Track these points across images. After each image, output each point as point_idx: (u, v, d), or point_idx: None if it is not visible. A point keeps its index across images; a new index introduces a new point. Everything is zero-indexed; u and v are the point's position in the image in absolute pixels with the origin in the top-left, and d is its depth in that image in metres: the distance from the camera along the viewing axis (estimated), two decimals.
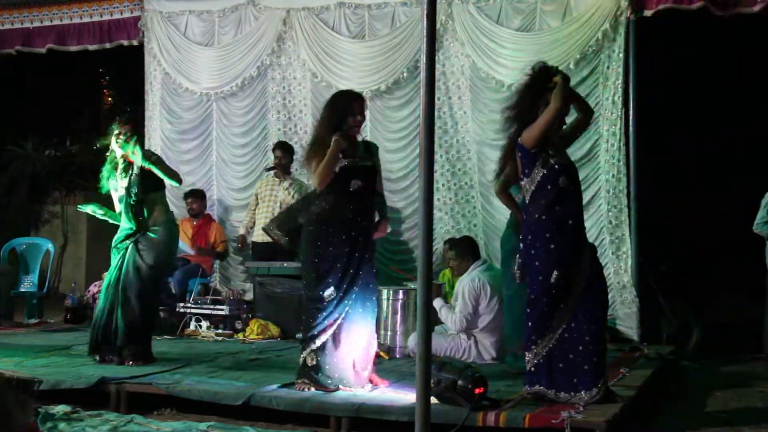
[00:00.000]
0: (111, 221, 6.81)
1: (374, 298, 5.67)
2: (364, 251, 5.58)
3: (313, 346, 5.47)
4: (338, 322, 5.47)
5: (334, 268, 5.48)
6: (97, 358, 6.47)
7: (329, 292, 5.46)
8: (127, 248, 6.53)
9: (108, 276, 6.64)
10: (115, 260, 6.58)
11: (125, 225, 6.59)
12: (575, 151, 7.70)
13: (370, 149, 5.81)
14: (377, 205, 5.81)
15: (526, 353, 5.21)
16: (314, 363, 5.46)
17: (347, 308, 5.48)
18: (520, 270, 5.30)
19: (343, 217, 5.51)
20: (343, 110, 5.61)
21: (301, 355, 5.54)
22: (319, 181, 5.51)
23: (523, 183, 5.26)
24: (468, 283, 6.90)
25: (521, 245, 5.29)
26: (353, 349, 5.51)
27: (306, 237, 5.63)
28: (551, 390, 5.12)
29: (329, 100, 5.83)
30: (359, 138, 5.84)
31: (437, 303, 7.02)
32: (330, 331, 5.45)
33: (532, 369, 5.18)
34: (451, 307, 7.02)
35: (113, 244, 6.64)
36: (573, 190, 5.25)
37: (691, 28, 8.59)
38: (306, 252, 5.61)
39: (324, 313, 5.46)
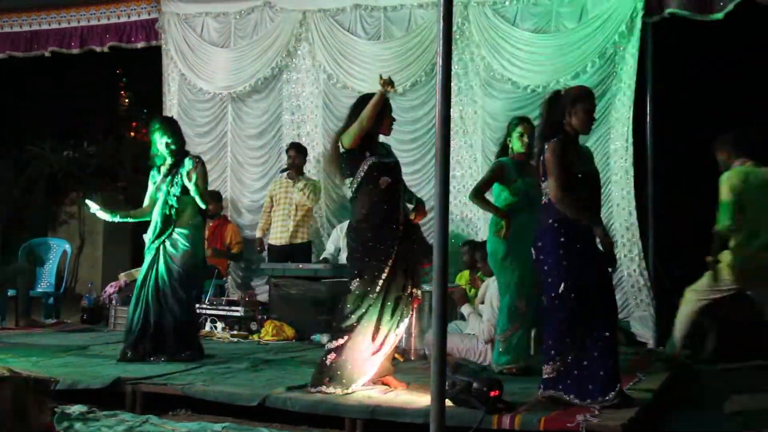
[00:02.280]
0: (129, 220, 6.94)
1: (419, 288, 5.63)
2: (405, 245, 5.53)
3: (334, 344, 5.44)
4: (373, 324, 5.44)
5: (379, 271, 5.42)
6: (131, 354, 6.54)
7: (371, 292, 5.42)
8: (158, 248, 6.65)
9: (140, 277, 6.76)
10: (147, 261, 6.70)
11: (157, 224, 6.69)
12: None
13: (386, 148, 5.79)
14: (408, 194, 5.79)
15: (545, 365, 5.17)
16: (331, 362, 5.42)
17: (384, 311, 5.45)
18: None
19: (384, 218, 5.48)
20: (381, 111, 5.57)
21: (326, 347, 5.51)
22: (365, 120, 5.44)
23: (544, 184, 5.23)
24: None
25: (533, 250, 5.25)
26: (379, 350, 5.49)
27: (351, 246, 5.59)
28: (567, 395, 5.10)
29: (358, 103, 5.69)
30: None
31: (465, 310, 7.01)
32: (356, 332, 5.41)
33: (549, 377, 5.15)
34: (477, 314, 6.96)
35: (147, 244, 6.74)
36: (592, 197, 5.23)
37: (710, 29, 8.52)
38: (352, 257, 5.57)
39: (359, 313, 5.43)
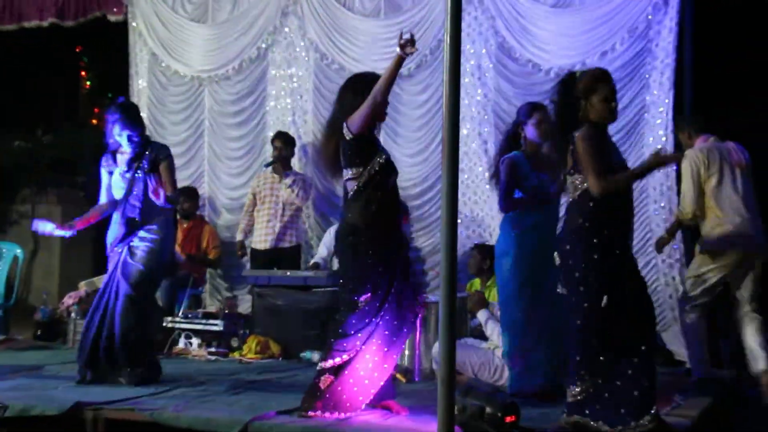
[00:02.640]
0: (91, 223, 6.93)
1: (412, 313, 5.62)
2: (404, 253, 5.60)
3: (331, 363, 5.44)
4: (373, 341, 5.45)
5: (379, 283, 5.43)
6: (90, 375, 6.52)
7: (364, 298, 5.43)
8: (121, 252, 6.61)
9: (102, 286, 6.72)
10: (110, 268, 6.66)
11: (120, 225, 6.63)
12: (622, 142, 7.70)
13: None
14: None
15: (571, 386, 5.18)
16: (326, 386, 5.43)
17: (384, 326, 5.47)
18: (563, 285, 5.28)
19: (388, 221, 5.51)
20: (369, 92, 5.53)
21: (320, 366, 5.51)
22: (380, 94, 5.42)
23: (572, 179, 5.24)
24: None
25: (557, 255, 5.26)
26: (376, 371, 5.50)
27: (350, 253, 5.53)
28: (595, 421, 5.10)
29: (353, 79, 5.76)
30: None
31: (482, 316, 7.02)
32: (355, 351, 5.43)
33: (576, 400, 5.16)
34: (497, 319, 6.98)
35: (109, 249, 6.70)
36: (625, 191, 5.25)
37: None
38: (349, 266, 5.53)
39: (358, 330, 5.44)
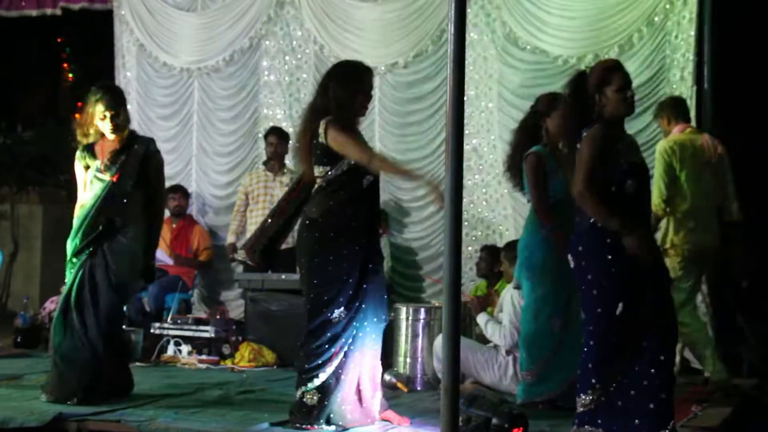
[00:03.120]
0: None
1: (384, 316, 5.64)
2: (376, 259, 5.59)
3: (316, 382, 5.45)
4: (346, 349, 5.46)
5: (345, 285, 5.43)
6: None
7: (338, 313, 5.45)
8: (86, 259, 6.31)
9: (63, 296, 6.45)
10: (71, 276, 6.36)
11: (90, 227, 6.30)
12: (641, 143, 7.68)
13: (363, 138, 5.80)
14: None
15: (582, 395, 5.17)
16: (314, 402, 5.45)
17: (357, 332, 5.48)
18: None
19: (355, 220, 5.49)
20: (358, 86, 5.57)
21: (298, 392, 5.53)
22: (372, 165, 5.43)
23: None
24: (513, 290, 6.91)
25: (570, 257, 5.26)
26: (360, 380, 5.52)
27: (308, 247, 5.60)
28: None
29: (341, 69, 5.74)
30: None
31: (482, 319, 7.00)
32: (336, 362, 5.45)
33: (587, 409, 5.16)
34: (496, 321, 6.99)
35: (70, 254, 6.37)
36: (641, 192, 5.24)
37: None
38: (308, 266, 5.57)
39: (330, 340, 5.45)
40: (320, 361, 5.43)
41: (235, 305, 9.64)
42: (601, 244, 5.07)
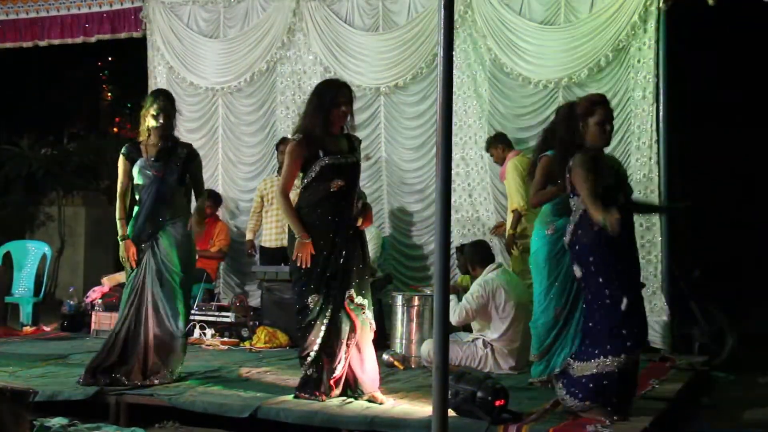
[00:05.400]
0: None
1: (366, 298, 5.59)
2: (350, 250, 5.55)
3: (309, 359, 5.48)
4: (324, 330, 5.46)
5: (314, 273, 5.47)
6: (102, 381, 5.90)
7: (311, 298, 5.47)
8: (150, 248, 6.13)
9: (129, 284, 6.20)
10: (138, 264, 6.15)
11: (147, 219, 6.15)
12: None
13: (353, 143, 5.73)
14: (361, 197, 5.79)
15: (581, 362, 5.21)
16: (315, 376, 5.47)
17: (337, 312, 5.48)
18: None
19: (323, 219, 5.51)
20: (330, 103, 5.53)
21: (302, 369, 5.58)
22: (281, 186, 5.57)
23: (572, 201, 5.24)
24: (482, 284, 6.91)
25: (574, 262, 5.28)
26: (351, 357, 5.52)
27: (289, 243, 5.68)
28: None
29: (314, 89, 5.75)
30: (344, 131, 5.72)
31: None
32: (318, 341, 5.46)
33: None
34: (457, 301, 6.99)
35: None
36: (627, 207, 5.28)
37: (726, 16, 8.53)
38: (290, 259, 5.62)
39: (309, 323, 5.48)
40: (306, 342, 5.51)
41: (253, 294, 9.62)
42: (600, 241, 5.09)
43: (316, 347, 5.47)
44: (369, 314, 5.60)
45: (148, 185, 6.16)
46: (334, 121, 5.56)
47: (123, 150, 6.32)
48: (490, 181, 8.91)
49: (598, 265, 5.10)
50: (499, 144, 8.35)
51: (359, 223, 5.61)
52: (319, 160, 5.50)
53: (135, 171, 6.21)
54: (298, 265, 5.47)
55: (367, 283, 5.67)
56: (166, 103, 6.21)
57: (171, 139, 6.27)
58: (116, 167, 6.35)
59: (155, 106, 6.16)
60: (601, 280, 5.09)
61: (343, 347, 5.48)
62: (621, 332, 5.07)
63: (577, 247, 5.21)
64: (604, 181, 5.12)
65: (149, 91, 10.37)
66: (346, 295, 5.51)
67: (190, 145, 6.46)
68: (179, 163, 6.20)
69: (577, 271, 5.23)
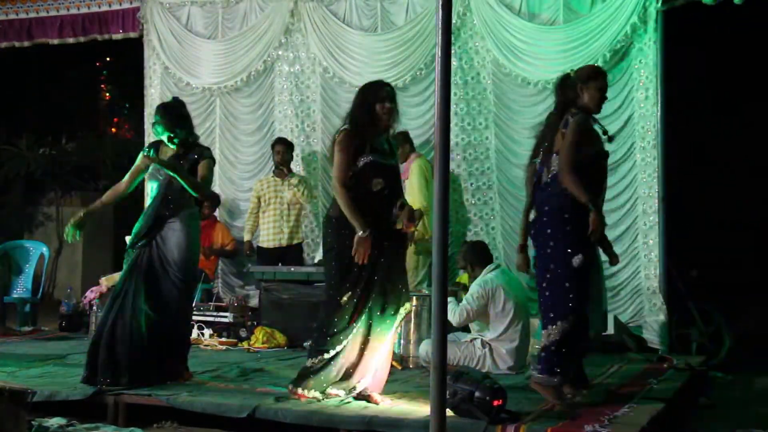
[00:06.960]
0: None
1: (394, 310, 5.53)
2: (390, 254, 5.51)
3: (326, 355, 5.45)
4: (354, 330, 5.44)
5: (352, 274, 5.41)
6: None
7: (347, 296, 5.44)
8: (145, 247, 6.12)
9: (118, 284, 6.19)
10: (128, 264, 6.15)
11: (151, 218, 6.16)
12: (612, 152, 7.62)
13: (392, 146, 5.71)
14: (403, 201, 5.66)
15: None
16: (320, 367, 5.45)
17: (362, 316, 5.45)
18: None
19: (369, 214, 5.43)
20: (372, 98, 5.54)
21: (309, 360, 5.54)
22: (340, 178, 5.47)
23: (552, 159, 5.47)
24: (481, 284, 6.91)
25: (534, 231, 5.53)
26: (368, 359, 5.50)
27: (325, 241, 5.65)
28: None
29: (358, 89, 5.78)
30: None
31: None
32: (345, 341, 5.43)
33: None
34: (456, 302, 6.99)
35: (129, 243, 6.21)
36: (600, 177, 5.56)
37: (727, 18, 8.53)
38: (325, 256, 5.62)
39: (339, 320, 5.44)
40: (327, 338, 5.45)
41: (250, 295, 9.61)
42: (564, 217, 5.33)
43: (339, 347, 5.43)
44: (398, 318, 5.56)
45: (156, 187, 6.21)
46: (380, 117, 5.54)
47: (148, 151, 6.35)
48: (496, 180, 8.92)
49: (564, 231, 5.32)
50: (405, 143, 8.47)
51: (401, 226, 5.54)
52: (363, 157, 5.46)
53: (146, 173, 6.31)
54: (356, 260, 5.37)
55: (402, 290, 5.59)
56: (166, 122, 6.27)
57: (186, 145, 6.29)
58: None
59: (157, 128, 6.28)
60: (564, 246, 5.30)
61: (362, 352, 5.47)
62: (568, 296, 5.27)
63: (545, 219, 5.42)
64: (593, 148, 5.38)
65: (145, 91, 10.40)
66: (380, 301, 5.46)
67: (206, 149, 6.44)
68: (188, 167, 6.20)
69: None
